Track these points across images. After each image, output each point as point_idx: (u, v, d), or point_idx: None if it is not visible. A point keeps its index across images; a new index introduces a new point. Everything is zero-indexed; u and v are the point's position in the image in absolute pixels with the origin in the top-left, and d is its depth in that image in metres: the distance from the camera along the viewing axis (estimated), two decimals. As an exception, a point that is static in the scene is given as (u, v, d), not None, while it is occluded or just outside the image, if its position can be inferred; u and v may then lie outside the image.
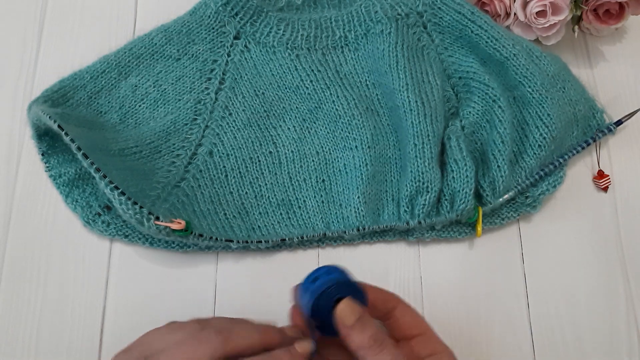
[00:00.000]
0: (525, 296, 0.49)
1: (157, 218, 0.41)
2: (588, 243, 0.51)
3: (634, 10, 0.54)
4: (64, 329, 0.47)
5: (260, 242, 0.47)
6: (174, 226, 0.42)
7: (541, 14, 0.53)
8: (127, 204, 0.41)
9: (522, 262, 0.50)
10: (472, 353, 0.47)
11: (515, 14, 0.54)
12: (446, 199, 0.48)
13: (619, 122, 0.53)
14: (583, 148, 0.51)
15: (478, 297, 0.49)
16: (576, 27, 0.56)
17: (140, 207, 0.41)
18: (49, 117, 0.44)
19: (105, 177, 0.41)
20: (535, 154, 0.49)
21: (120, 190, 0.41)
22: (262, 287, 0.49)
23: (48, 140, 0.50)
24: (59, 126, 0.43)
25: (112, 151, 0.47)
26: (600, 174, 0.52)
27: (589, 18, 0.54)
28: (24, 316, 0.47)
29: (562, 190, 0.52)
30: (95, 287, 0.48)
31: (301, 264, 0.50)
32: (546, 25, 0.53)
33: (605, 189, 0.52)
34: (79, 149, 0.42)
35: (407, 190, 0.48)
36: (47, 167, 0.51)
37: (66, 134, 0.43)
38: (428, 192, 0.48)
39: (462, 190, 0.47)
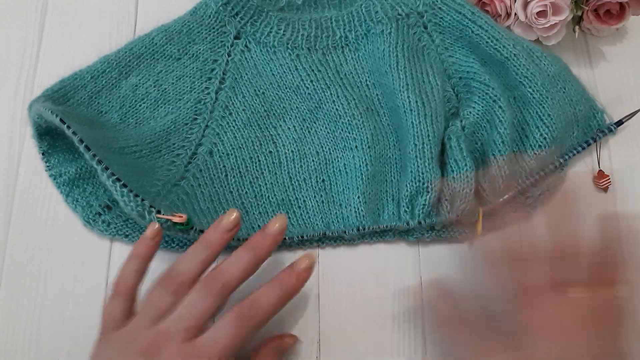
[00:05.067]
0: (525, 296, 0.49)
1: (159, 211, 0.41)
2: (588, 243, 0.51)
3: (635, 10, 0.54)
4: (64, 329, 0.47)
5: None
6: (175, 219, 0.41)
7: (542, 14, 0.52)
8: (129, 196, 0.41)
9: (522, 262, 0.50)
10: (472, 353, 0.47)
11: (515, 14, 0.54)
12: (446, 199, 0.48)
13: (619, 123, 0.53)
14: (583, 148, 0.51)
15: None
16: (577, 27, 0.56)
17: (142, 200, 0.41)
18: (51, 112, 0.44)
19: (107, 169, 0.41)
20: (535, 154, 0.49)
21: (122, 183, 0.41)
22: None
23: (49, 140, 0.50)
24: (60, 120, 0.43)
25: (113, 149, 0.47)
26: (601, 174, 0.52)
27: (590, 18, 0.54)
28: (24, 316, 0.47)
29: (562, 190, 0.52)
30: (96, 287, 0.48)
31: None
32: (547, 26, 0.53)
33: (606, 189, 0.52)
34: (81, 141, 0.42)
35: (407, 190, 0.48)
36: (48, 166, 0.51)
37: (68, 127, 0.43)
38: (428, 192, 0.48)
39: (463, 190, 0.47)
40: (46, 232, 0.50)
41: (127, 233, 0.49)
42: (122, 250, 0.49)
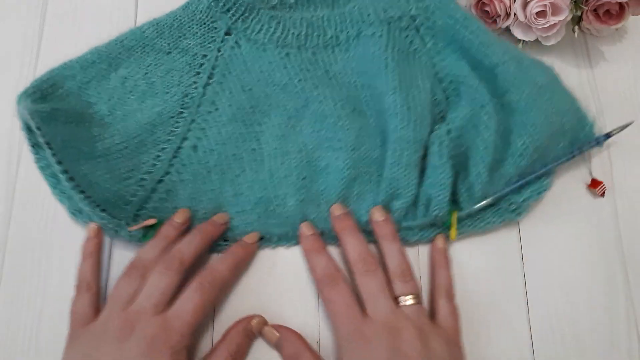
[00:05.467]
0: (525, 296, 0.49)
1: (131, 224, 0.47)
2: (588, 243, 0.51)
3: (634, 10, 0.54)
4: (64, 329, 0.47)
5: (231, 240, 0.49)
6: (149, 222, 0.46)
7: (541, 14, 0.52)
8: (105, 217, 0.45)
9: (522, 262, 0.50)
10: (471, 353, 0.47)
11: (515, 14, 0.54)
12: (422, 204, 0.48)
13: (608, 135, 0.52)
14: (568, 160, 0.50)
15: (478, 297, 0.49)
16: (576, 27, 0.56)
17: (119, 220, 0.45)
18: (38, 127, 0.44)
19: (83, 192, 0.44)
20: (515, 162, 0.48)
21: (101, 208, 0.45)
22: (257, 286, 0.49)
23: None
24: (47, 143, 0.44)
25: (98, 152, 0.48)
26: (594, 183, 0.52)
27: (589, 18, 0.54)
28: (24, 316, 0.47)
29: (562, 190, 0.52)
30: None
31: (291, 262, 0.50)
32: (546, 26, 0.53)
33: (603, 195, 0.52)
34: (65, 172, 0.44)
35: (382, 195, 0.48)
36: (37, 158, 0.50)
37: (54, 154, 0.44)
38: (401, 198, 0.48)
39: (437, 197, 0.47)
40: (46, 231, 0.50)
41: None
42: (122, 250, 0.49)
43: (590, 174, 0.52)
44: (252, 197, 0.50)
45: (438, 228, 0.49)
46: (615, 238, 0.51)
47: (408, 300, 0.44)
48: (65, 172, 0.44)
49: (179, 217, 0.48)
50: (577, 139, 0.51)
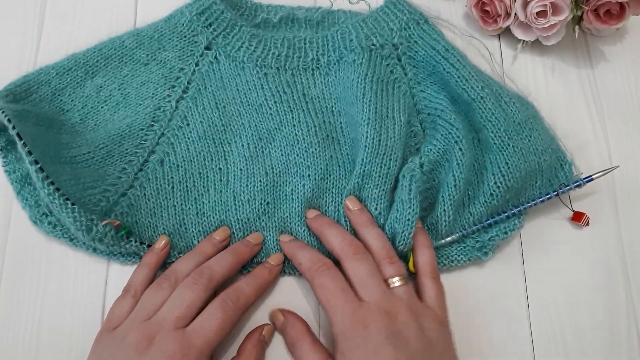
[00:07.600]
0: (525, 296, 0.49)
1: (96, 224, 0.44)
2: (588, 243, 0.51)
3: (635, 10, 0.53)
4: (64, 329, 0.47)
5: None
6: (116, 223, 0.45)
7: (541, 14, 0.52)
8: (76, 212, 0.43)
9: (522, 262, 0.50)
10: (471, 353, 0.47)
11: (515, 14, 0.54)
12: (388, 237, 0.47)
13: (589, 179, 0.50)
14: (543, 201, 0.49)
15: (478, 297, 0.49)
16: (577, 27, 0.56)
17: (90, 218, 0.43)
18: (8, 119, 0.44)
19: (52, 184, 0.43)
20: (486, 201, 0.48)
21: (71, 202, 0.43)
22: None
23: (7, 136, 0.49)
24: (17, 134, 0.43)
25: (64, 158, 0.47)
26: (577, 216, 0.51)
27: (590, 18, 0.54)
28: (24, 316, 0.47)
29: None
30: (95, 287, 0.48)
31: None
32: (546, 26, 0.53)
33: (587, 224, 0.51)
34: (36, 162, 0.43)
35: (346, 226, 0.48)
36: (5, 161, 0.50)
37: (24, 145, 0.43)
38: None
39: (402, 232, 0.46)
40: (46, 232, 0.50)
41: (72, 237, 0.48)
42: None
43: (572, 209, 0.51)
44: (214, 218, 0.49)
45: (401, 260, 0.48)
46: (616, 238, 0.51)
47: (396, 282, 0.43)
48: (35, 162, 0.43)
49: (218, 235, 0.48)
50: (556, 177, 0.50)
